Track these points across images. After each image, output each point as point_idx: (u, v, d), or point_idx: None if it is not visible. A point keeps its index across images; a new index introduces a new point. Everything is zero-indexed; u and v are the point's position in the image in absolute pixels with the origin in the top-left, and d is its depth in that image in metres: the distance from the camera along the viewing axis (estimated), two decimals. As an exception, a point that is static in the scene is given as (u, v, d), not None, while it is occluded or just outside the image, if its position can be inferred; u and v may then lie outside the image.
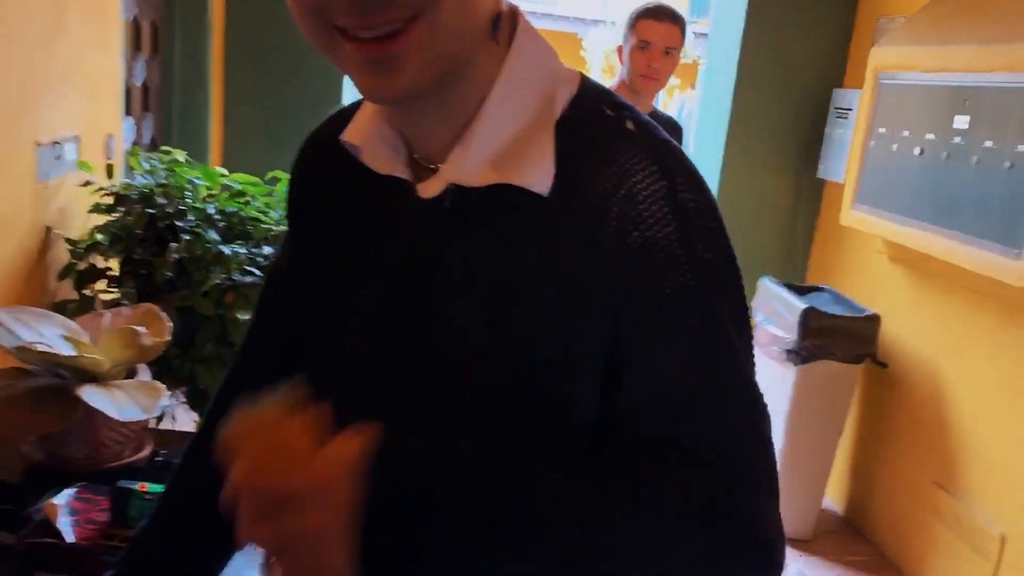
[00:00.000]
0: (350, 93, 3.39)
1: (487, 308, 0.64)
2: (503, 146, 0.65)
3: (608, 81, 2.40)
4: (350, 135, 0.72)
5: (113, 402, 1.28)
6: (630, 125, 0.65)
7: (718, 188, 3.38)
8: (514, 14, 0.68)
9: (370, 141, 0.71)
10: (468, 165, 0.65)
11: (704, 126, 3.57)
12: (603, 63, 12.15)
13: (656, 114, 2.52)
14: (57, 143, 1.86)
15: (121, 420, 1.28)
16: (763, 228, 3.42)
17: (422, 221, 0.69)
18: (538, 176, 0.64)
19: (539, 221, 0.64)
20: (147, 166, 2.00)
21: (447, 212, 0.67)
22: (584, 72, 0.71)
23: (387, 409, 0.67)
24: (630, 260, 0.60)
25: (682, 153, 0.66)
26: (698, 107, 3.72)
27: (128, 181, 2.00)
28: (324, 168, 0.77)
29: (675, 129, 2.53)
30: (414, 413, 0.68)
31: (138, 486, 1.24)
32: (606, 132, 0.65)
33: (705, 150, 3.47)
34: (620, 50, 2.35)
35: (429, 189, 0.67)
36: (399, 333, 0.69)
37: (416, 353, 0.68)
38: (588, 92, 0.68)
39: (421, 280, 0.68)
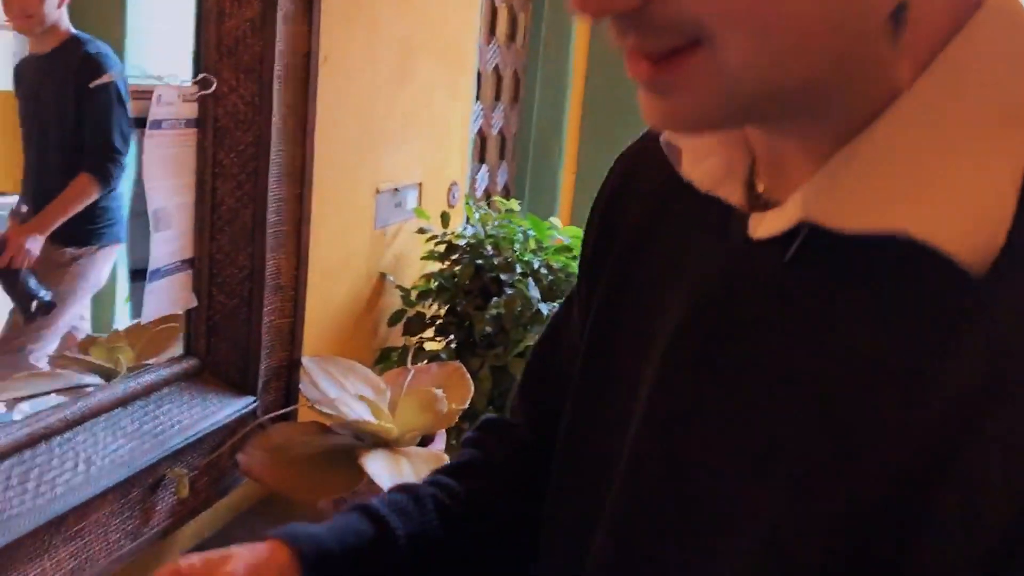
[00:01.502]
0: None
1: (820, 453, 0.39)
2: (907, 176, 0.37)
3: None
4: (671, 135, 0.49)
5: (395, 478, 1.17)
6: None
7: None
8: None
9: (698, 145, 0.48)
10: (837, 195, 0.38)
11: None
12: None
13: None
14: (397, 190, 1.87)
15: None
16: None
17: (745, 277, 0.44)
18: (969, 233, 0.35)
19: (954, 318, 0.36)
20: (478, 215, 1.94)
21: (788, 269, 0.41)
22: None
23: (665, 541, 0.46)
24: None
25: None
26: None
27: (461, 230, 1.96)
28: (635, 189, 0.56)
29: None
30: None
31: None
32: None
33: None
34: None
35: (766, 224, 0.42)
36: (683, 447, 0.46)
37: (698, 487, 0.45)
38: None
39: (723, 372, 0.44)
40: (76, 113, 1.33)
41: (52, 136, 1.38)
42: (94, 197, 1.36)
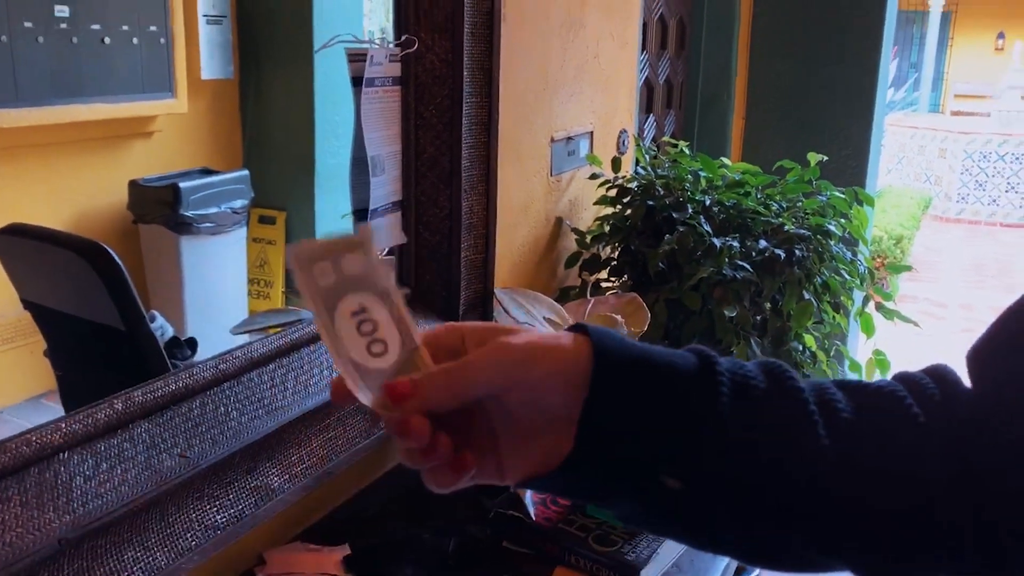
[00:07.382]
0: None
1: None
2: None
3: None
4: None
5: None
6: None
7: None
8: None
9: None
10: None
11: None
12: None
13: None
14: (571, 138, 1.98)
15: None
16: None
17: None
18: None
19: None
20: (648, 158, 2.02)
21: None
22: None
23: None
24: None
25: None
26: None
27: (632, 174, 2.05)
28: None
29: None
30: None
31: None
32: None
33: None
34: None
35: None
36: None
37: None
38: None
39: None
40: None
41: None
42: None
